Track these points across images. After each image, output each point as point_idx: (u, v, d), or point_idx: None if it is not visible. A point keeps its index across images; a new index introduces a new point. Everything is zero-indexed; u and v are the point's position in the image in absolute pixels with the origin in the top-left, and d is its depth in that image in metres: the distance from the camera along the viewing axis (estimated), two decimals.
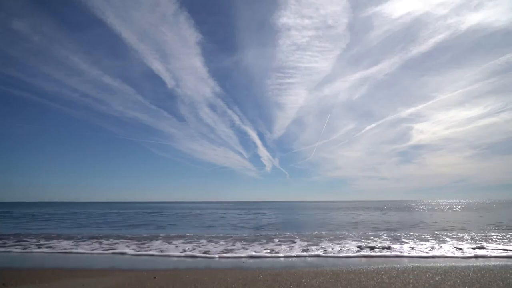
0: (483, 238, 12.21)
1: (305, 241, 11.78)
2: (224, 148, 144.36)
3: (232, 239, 12.33)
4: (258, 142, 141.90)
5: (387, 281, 5.77)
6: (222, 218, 27.73)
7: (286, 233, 14.46)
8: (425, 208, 51.09)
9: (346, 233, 14.37)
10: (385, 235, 13.62)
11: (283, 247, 10.30)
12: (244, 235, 14.05)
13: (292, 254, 9.06)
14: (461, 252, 9.18)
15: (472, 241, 11.35)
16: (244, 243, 11.31)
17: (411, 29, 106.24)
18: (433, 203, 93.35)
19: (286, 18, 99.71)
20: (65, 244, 11.12)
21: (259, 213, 36.05)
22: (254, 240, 12.02)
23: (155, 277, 6.26)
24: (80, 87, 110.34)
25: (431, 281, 5.70)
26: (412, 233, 14.20)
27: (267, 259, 8.55)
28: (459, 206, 57.04)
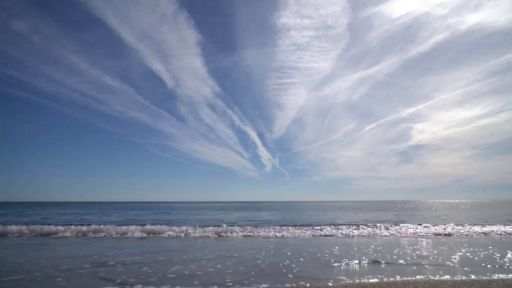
0: None
1: None
2: (224, 148, 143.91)
3: None
4: (258, 142, 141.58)
5: (387, 281, 5.77)
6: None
7: None
8: (434, 207, 50.82)
9: None
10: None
11: None
12: None
13: None
14: None
15: None
16: None
17: (410, 29, 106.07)
18: (429, 202, 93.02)
19: (285, 18, 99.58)
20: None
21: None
22: None
23: None
24: (80, 87, 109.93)
25: (431, 281, 5.69)
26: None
27: None
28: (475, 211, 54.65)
